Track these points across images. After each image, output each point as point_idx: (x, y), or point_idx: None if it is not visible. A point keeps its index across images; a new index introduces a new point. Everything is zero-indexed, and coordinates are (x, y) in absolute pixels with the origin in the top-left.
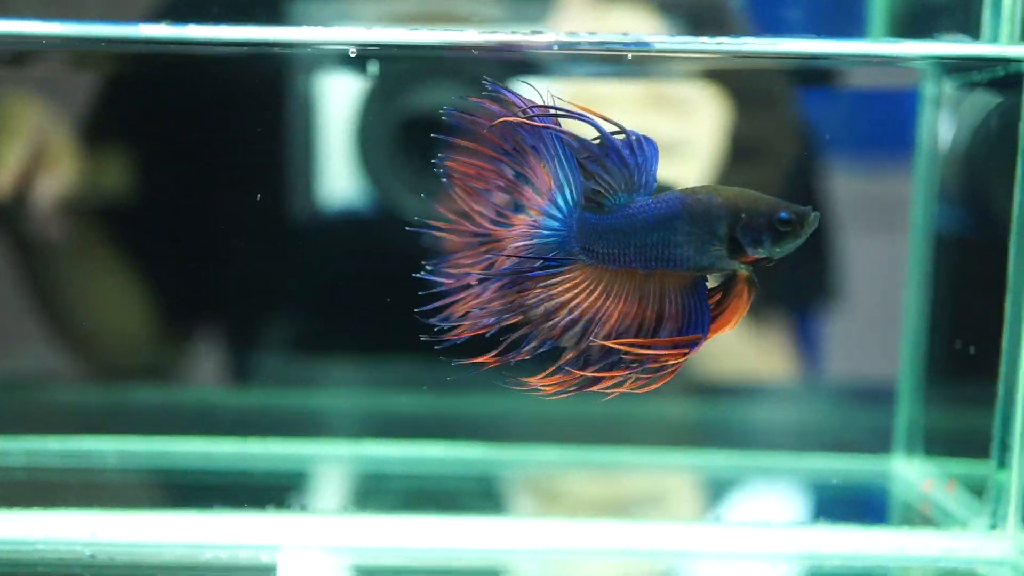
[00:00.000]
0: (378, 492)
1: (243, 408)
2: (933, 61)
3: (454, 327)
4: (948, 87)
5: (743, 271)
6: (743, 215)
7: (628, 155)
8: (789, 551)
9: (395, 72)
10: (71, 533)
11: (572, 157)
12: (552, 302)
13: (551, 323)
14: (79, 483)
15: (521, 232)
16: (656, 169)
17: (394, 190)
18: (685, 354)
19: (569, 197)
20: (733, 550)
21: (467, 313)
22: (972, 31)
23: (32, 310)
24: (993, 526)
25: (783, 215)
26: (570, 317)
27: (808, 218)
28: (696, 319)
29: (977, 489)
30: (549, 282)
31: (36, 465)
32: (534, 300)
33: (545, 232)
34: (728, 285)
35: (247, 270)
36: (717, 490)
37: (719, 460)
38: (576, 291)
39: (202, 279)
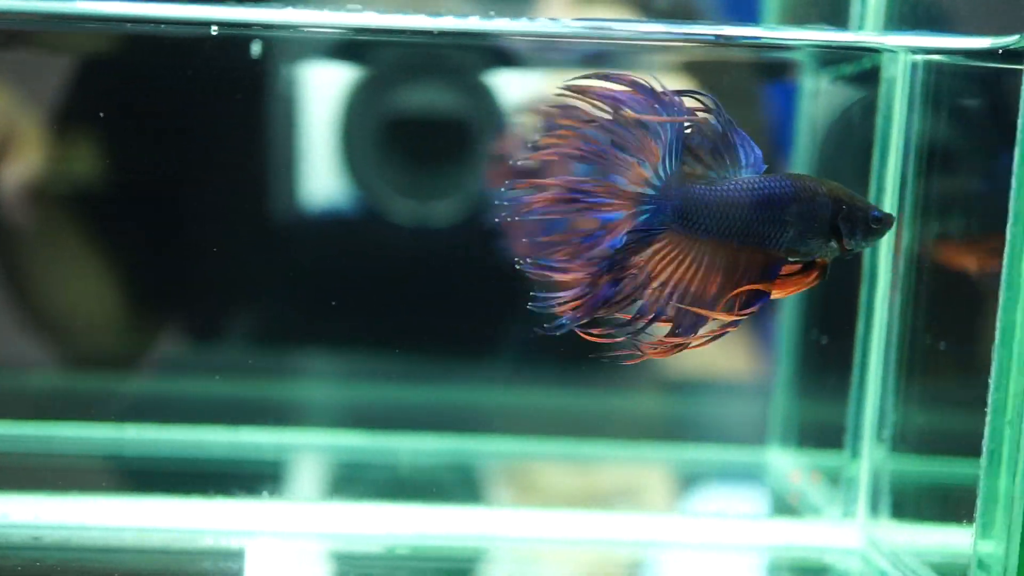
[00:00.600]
0: (354, 481)
1: (217, 398)
2: (807, 51)
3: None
4: (824, 81)
5: (826, 258)
6: (844, 207)
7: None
8: (647, 539)
9: (381, 70)
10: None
11: (678, 128)
12: (643, 273)
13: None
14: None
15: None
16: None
17: (379, 189)
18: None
19: (669, 167)
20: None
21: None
22: (841, 23)
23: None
24: (845, 515)
25: (876, 213)
26: (659, 286)
27: (890, 220)
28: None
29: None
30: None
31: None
32: (627, 275)
33: (645, 203)
34: (805, 266)
35: (225, 259)
36: (595, 479)
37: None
38: (665, 261)
39: (176, 269)
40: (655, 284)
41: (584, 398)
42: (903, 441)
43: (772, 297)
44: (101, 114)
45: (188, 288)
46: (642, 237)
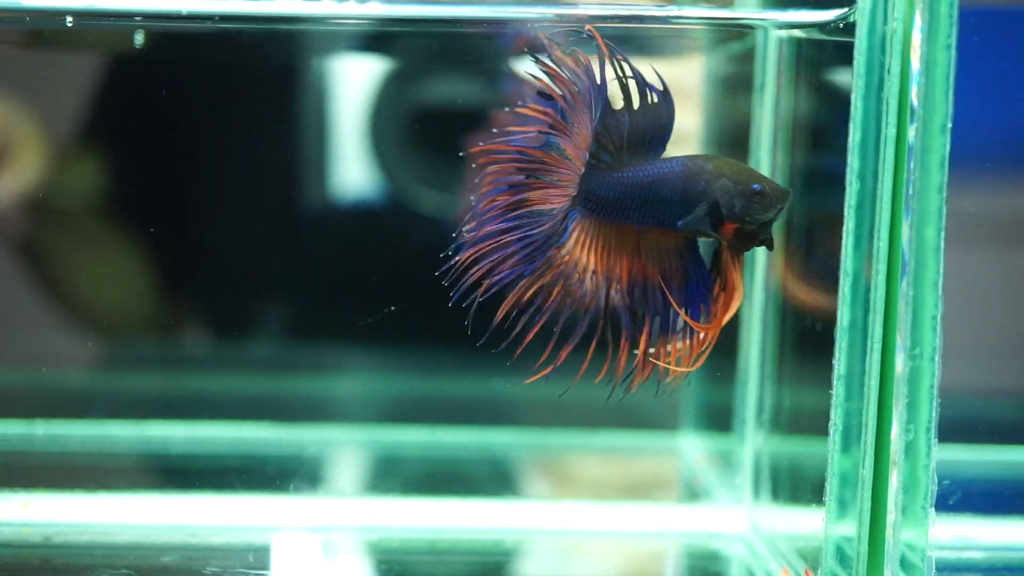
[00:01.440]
0: (389, 475)
1: (250, 393)
2: (704, 31)
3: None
4: (718, 60)
5: (724, 242)
6: (725, 180)
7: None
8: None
9: (407, 63)
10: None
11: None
12: (561, 262)
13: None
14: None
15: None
16: (670, 131)
17: (405, 179)
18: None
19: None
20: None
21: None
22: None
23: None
24: (735, 501)
25: (755, 186)
26: (589, 274)
27: (779, 195)
28: (696, 277)
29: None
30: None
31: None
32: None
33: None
34: (716, 261)
35: (254, 256)
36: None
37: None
38: (579, 247)
39: (201, 265)
40: (581, 271)
41: None
42: (780, 425)
43: (731, 312)
44: (121, 115)
45: (212, 283)
46: (561, 228)
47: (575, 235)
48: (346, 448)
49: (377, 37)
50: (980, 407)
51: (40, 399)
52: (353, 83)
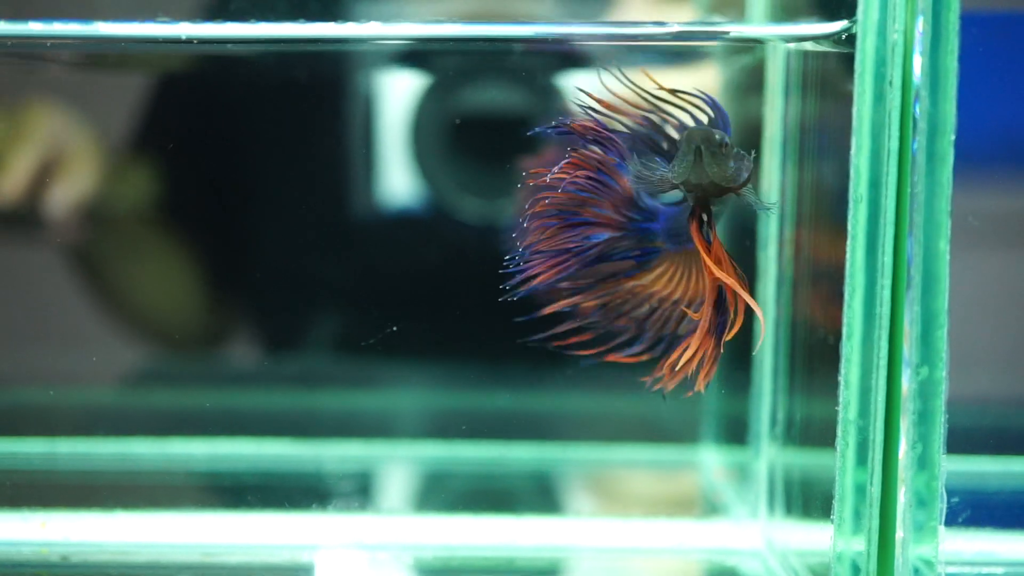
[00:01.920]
0: (435, 492)
1: (294, 408)
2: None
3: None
4: (730, 71)
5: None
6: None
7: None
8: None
9: (448, 71)
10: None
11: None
12: (653, 297)
13: (660, 317)
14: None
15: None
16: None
17: (447, 188)
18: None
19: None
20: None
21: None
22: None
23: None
24: (751, 515)
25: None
26: (672, 306)
27: (700, 132)
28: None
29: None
30: (644, 279)
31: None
32: (633, 299)
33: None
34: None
35: (300, 269)
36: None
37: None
38: (672, 281)
39: (255, 277)
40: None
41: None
42: (793, 438)
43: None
44: (170, 132)
45: (276, 298)
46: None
47: (660, 269)
48: (371, 465)
49: (416, 54)
50: (991, 417)
51: (61, 417)
52: (395, 95)
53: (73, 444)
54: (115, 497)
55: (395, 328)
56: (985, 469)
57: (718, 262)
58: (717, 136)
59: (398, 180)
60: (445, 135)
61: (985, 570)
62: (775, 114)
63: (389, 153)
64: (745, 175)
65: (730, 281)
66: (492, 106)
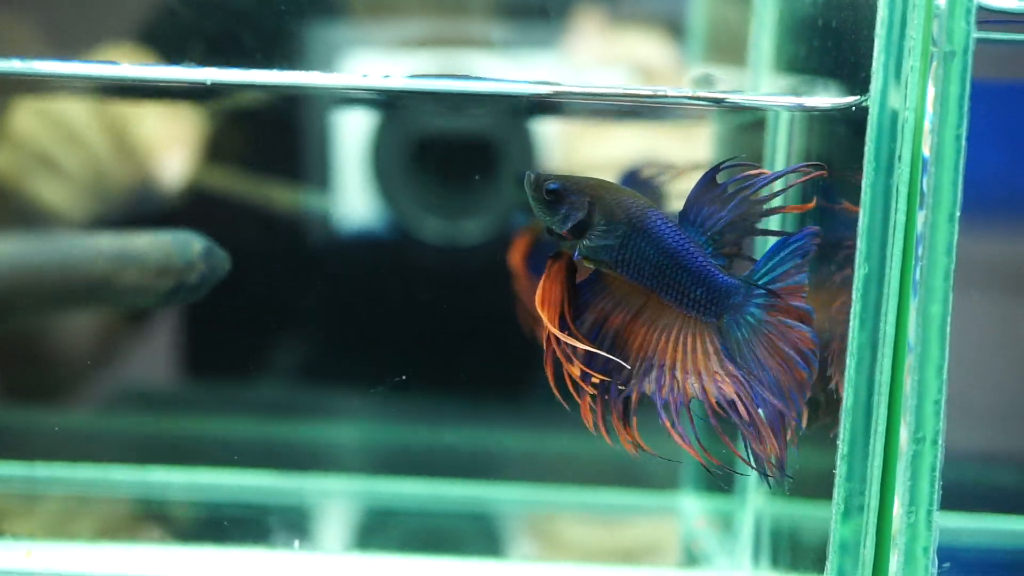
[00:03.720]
0: (383, 530)
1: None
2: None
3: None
4: (727, 128)
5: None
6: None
7: None
8: None
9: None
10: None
11: None
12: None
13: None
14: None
15: None
16: None
17: (409, 210)
18: None
19: None
20: None
21: None
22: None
23: None
24: (735, 566)
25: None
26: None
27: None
28: None
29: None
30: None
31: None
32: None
33: None
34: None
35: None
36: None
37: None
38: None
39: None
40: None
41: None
42: (781, 488)
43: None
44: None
45: (231, 322)
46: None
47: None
48: (310, 499)
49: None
50: (980, 473)
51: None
52: (355, 120)
53: (53, 469)
54: (101, 527)
55: (404, 377)
56: (968, 526)
57: (539, 302)
58: (532, 178)
59: (356, 202)
60: (406, 156)
61: None
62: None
63: (348, 175)
64: (569, 224)
65: (535, 310)
66: (453, 128)
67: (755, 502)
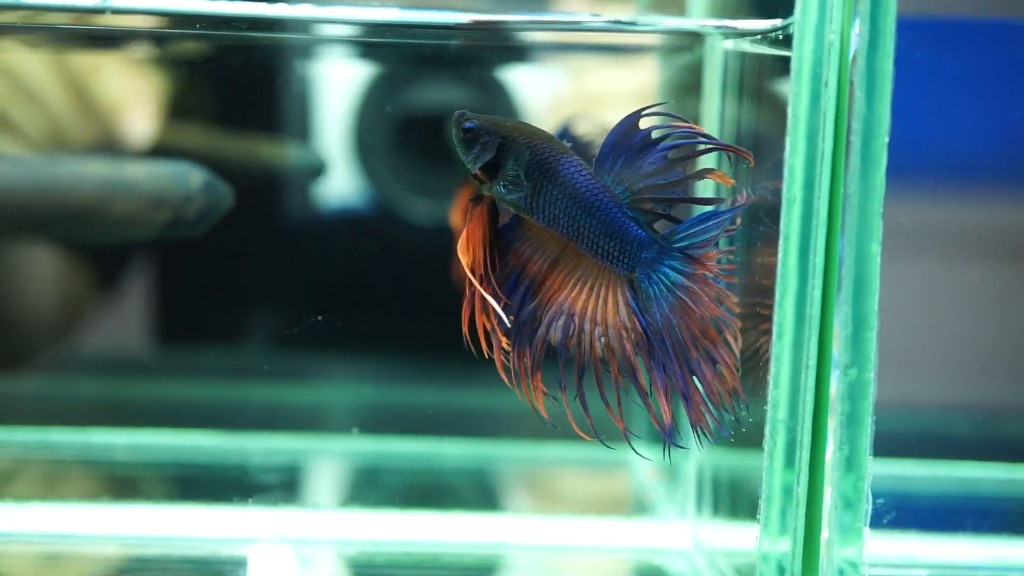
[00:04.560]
0: (371, 487)
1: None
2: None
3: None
4: (670, 70)
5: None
6: None
7: None
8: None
9: (392, 69)
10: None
11: None
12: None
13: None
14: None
15: None
16: None
17: (392, 187)
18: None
19: None
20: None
21: None
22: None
23: None
24: (679, 515)
25: None
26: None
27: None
28: None
29: None
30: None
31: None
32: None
33: None
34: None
35: (237, 261)
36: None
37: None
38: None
39: (196, 274)
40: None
41: None
42: (723, 439)
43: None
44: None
45: (214, 294)
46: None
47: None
48: (301, 458)
49: (365, 43)
50: (921, 421)
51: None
52: (340, 88)
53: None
54: (35, 488)
55: (320, 318)
56: (911, 473)
57: (461, 246)
58: (455, 116)
59: (338, 176)
60: (388, 133)
61: (909, 572)
62: (712, 113)
63: (330, 149)
64: (479, 164)
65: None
66: (434, 104)
67: (697, 454)
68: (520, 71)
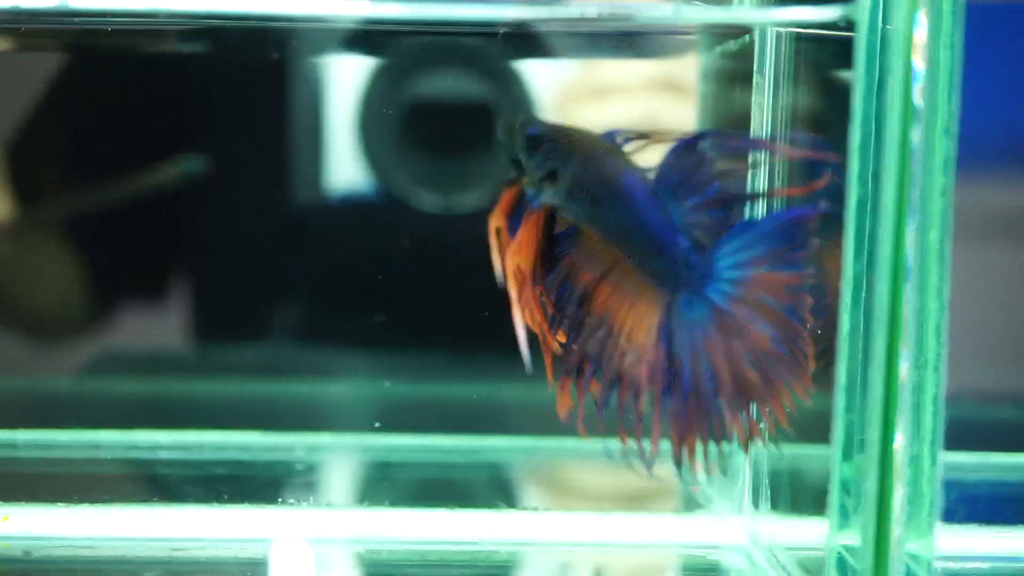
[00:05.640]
0: (384, 484)
1: (245, 399)
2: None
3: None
4: (714, 58)
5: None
6: None
7: None
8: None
9: (398, 58)
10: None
11: None
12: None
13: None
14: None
15: None
16: None
17: (397, 177)
18: None
19: None
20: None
21: None
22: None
23: None
24: (735, 511)
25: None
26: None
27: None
28: None
29: None
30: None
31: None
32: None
33: None
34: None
35: (248, 258)
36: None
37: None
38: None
39: (202, 268)
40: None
41: None
42: (779, 431)
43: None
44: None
45: (220, 287)
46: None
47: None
48: (336, 456)
49: (369, 36)
50: (984, 412)
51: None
52: (344, 80)
53: (33, 435)
54: (79, 490)
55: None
56: (967, 462)
57: (514, 251)
58: (517, 122)
59: (346, 169)
60: (396, 124)
61: (970, 566)
62: (764, 100)
63: (337, 142)
64: (543, 172)
65: (507, 268)
66: (445, 94)
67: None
68: (540, 61)
